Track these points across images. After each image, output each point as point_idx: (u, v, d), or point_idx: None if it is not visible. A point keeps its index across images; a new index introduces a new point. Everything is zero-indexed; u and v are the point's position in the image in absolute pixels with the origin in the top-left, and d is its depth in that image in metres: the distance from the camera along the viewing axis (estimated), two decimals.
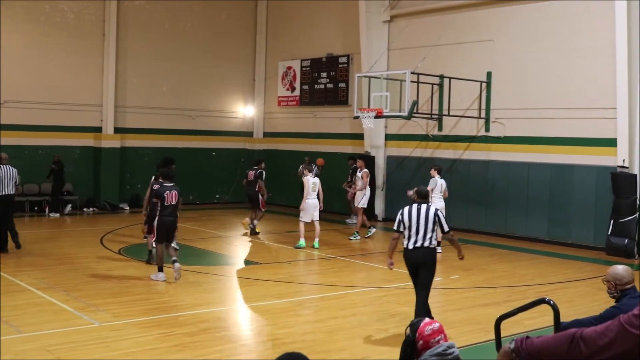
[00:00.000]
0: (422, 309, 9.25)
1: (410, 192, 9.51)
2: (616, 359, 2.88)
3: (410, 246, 9.31)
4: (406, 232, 9.36)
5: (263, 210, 19.11)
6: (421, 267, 9.39)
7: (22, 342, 8.74)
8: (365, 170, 18.71)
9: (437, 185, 16.85)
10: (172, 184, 13.11)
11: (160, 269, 12.95)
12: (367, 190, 19.14)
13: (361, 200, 18.99)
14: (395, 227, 9.43)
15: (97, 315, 10.17)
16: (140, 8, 25.33)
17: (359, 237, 18.72)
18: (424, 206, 9.43)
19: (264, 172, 19.14)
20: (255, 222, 19.09)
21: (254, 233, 18.97)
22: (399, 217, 9.41)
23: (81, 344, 8.77)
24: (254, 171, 19.10)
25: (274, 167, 20.55)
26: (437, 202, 16.91)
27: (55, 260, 14.69)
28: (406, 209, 9.46)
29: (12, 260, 14.26)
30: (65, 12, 23.77)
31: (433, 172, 17.15)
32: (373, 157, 22.97)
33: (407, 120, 20.27)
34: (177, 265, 12.68)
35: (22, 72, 22.82)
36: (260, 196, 18.85)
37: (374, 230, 19.30)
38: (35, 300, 11.04)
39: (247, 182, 19.23)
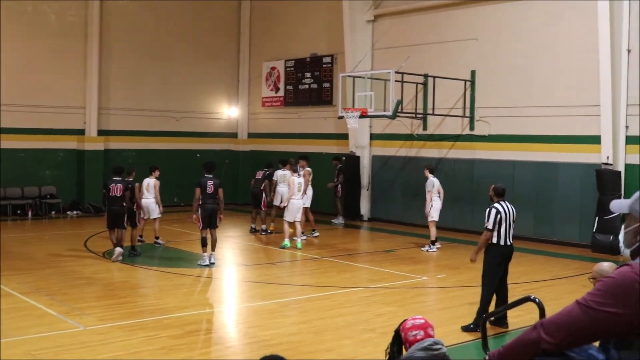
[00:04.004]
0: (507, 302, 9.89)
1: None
2: (579, 339, 2.95)
3: (503, 242, 9.95)
4: (502, 229, 9.92)
5: (264, 209, 19.44)
6: (507, 262, 10.12)
7: (6, 347, 8.66)
8: (308, 169, 18.58)
9: (435, 185, 17.09)
10: (118, 178, 15.07)
11: (115, 245, 14.94)
12: (310, 190, 19.01)
13: (303, 200, 18.83)
14: (490, 226, 9.88)
15: (82, 319, 10.10)
16: (123, 9, 25.23)
17: (304, 237, 18.26)
18: (508, 203, 10.12)
19: (272, 175, 19.48)
20: (263, 226, 19.58)
21: (265, 232, 19.50)
22: (495, 215, 9.87)
23: (66, 348, 8.72)
24: (263, 171, 19.63)
25: (258, 168, 20.50)
26: (437, 202, 17.07)
27: (39, 264, 14.59)
28: (499, 207, 9.95)
29: None
30: (47, 13, 23.64)
31: (427, 172, 17.31)
32: (358, 157, 22.99)
33: (392, 119, 20.26)
34: (118, 249, 14.78)
35: (4, 74, 22.59)
36: (264, 196, 19.28)
37: (304, 237, 18.37)
38: (19, 305, 10.95)
39: (255, 182, 19.75)
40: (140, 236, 16.73)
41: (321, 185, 21.84)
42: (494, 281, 9.95)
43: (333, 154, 23.33)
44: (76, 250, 16.30)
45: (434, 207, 17.13)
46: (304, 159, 18.72)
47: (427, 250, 17.09)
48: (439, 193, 17.23)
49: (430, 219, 17.18)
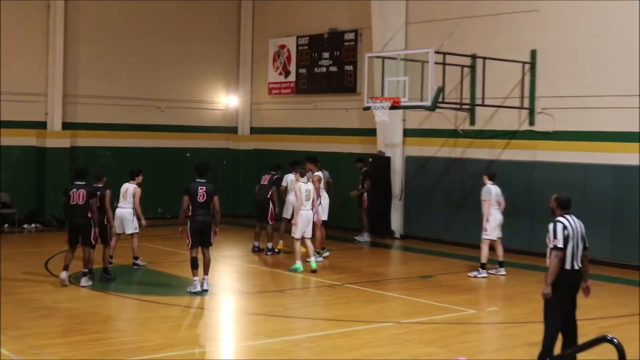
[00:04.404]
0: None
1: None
2: None
3: (569, 266, 9.85)
4: (568, 251, 9.82)
5: (271, 223, 19.41)
6: (575, 292, 9.97)
7: None
8: (317, 173, 18.56)
9: (492, 194, 17.17)
10: (82, 183, 14.94)
11: (66, 268, 14.93)
12: (324, 199, 19.02)
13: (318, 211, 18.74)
14: (561, 244, 9.76)
15: None
16: None
17: (320, 258, 18.46)
18: (575, 218, 9.99)
19: (281, 180, 19.57)
20: (269, 244, 19.54)
21: (272, 252, 19.52)
22: (562, 231, 9.79)
23: None
24: (269, 175, 19.62)
25: (264, 171, 20.50)
26: (496, 215, 17.19)
27: None
28: (565, 221, 9.89)
29: None
30: None
31: (485, 178, 17.42)
32: (388, 158, 22.95)
33: (431, 111, 20.21)
34: (63, 273, 14.86)
35: None
36: (271, 206, 19.29)
37: (320, 258, 18.60)
38: None
39: (259, 188, 19.72)
40: (110, 256, 16.72)
41: (342, 194, 21.81)
42: (560, 316, 9.88)
43: (357, 155, 23.29)
44: (35, 274, 16.35)
45: (492, 222, 17.15)
46: (312, 161, 18.68)
47: (475, 276, 17.06)
48: (498, 204, 17.24)
49: (484, 236, 17.19)
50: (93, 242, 15.02)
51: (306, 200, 17.23)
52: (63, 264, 15.01)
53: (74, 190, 14.83)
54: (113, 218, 16.21)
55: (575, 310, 10.10)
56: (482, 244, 17.25)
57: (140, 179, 17.11)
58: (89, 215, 14.84)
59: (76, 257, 15.43)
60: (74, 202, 14.80)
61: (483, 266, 17.20)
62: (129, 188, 16.89)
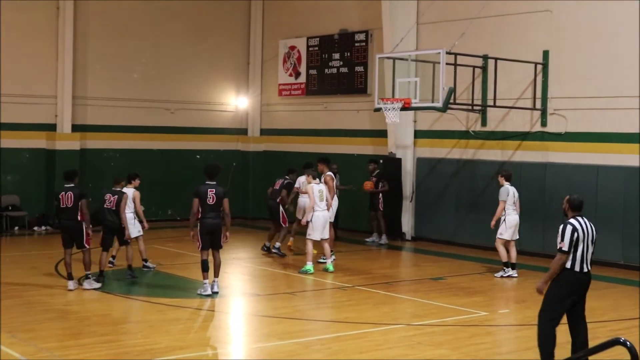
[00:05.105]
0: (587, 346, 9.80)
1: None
2: None
3: (578, 268, 9.88)
4: (578, 252, 9.87)
5: (284, 226, 19.50)
6: (584, 294, 10.06)
7: None
8: (329, 173, 18.54)
9: (510, 195, 17.29)
10: (70, 185, 14.95)
11: (70, 277, 14.92)
12: (334, 200, 18.92)
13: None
14: (566, 247, 9.82)
15: None
16: None
17: (330, 260, 18.40)
18: (586, 220, 10.11)
19: (292, 184, 19.68)
20: (277, 244, 19.56)
21: (279, 254, 19.48)
22: (571, 234, 9.84)
23: None
24: (282, 180, 19.80)
25: (273, 173, 20.55)
26: (513, 216, 17.31)
27: None
28: (576, 223, 9.95)
29: None
30: None
31: (501, 179, 17.56)
32: (399, 160, 22.94)
33: (443, 112, 20.22)
34: (70, 283, 14.87)
35: None
36: (282, 209, 19.44)
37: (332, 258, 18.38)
38: None
39: (272, 192, 19.90)
40: (113, 256, 16.81)
41: (353, 196, 21.78)
42: (557, 314, 9.89)
43: (368, 156, 23.30)
44: (45, 276, 16.42)
45: (507, 223, 17.21)
46: (323, 162, 18.70)
47: (501, 276, 17.26)
48: (514, 205, 17.34)
49: (499, 235, 17.28)
50: (86, 245, 14.96)
51: (320, 201, 17.27)
52: (66, 270, 15.01)
53: (63, 193, 14.83)
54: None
55: (584, 312, 10.11)
56: (497, 245, 17.31)
57: (137, 182, 17.16)
58: (79, 217, 14.85)
59: (79, 260, 15.50)
60: (64, 205, 14.80)
61: (506, 265, 17.30)
62: (129, 193, 16.87)
